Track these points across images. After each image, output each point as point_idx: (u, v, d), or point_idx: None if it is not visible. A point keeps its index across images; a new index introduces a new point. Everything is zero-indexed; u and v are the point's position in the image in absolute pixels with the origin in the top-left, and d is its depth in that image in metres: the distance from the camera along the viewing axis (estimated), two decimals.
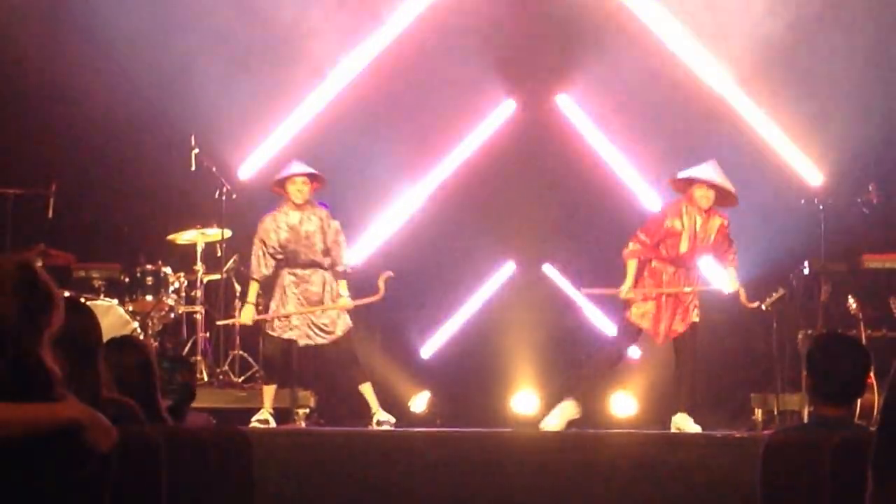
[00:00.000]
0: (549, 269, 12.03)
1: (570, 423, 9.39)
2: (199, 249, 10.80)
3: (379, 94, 12.12)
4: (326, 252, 9.86)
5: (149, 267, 10.63)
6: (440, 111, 11.90)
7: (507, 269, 12.05)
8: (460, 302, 11.99)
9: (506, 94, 12.15)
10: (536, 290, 11.92)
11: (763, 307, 9.99)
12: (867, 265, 10.56)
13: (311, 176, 9.90)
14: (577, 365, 10.03)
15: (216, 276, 10.83)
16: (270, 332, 9.81)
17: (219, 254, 10.75)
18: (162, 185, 11.63)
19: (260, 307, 10.10)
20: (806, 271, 10.26)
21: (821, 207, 10.26)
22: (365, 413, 9.99)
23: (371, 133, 12.06)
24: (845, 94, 11.47)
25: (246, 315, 9.97)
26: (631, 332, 9.63)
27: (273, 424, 9.44)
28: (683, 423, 9.20)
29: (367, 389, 9.75)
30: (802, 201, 10.58)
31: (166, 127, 11.63)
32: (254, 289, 9.93)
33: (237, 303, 10.79)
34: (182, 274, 10.77)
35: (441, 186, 12.13)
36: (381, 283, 9.87)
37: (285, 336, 9.77)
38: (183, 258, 10.89)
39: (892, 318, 9.88)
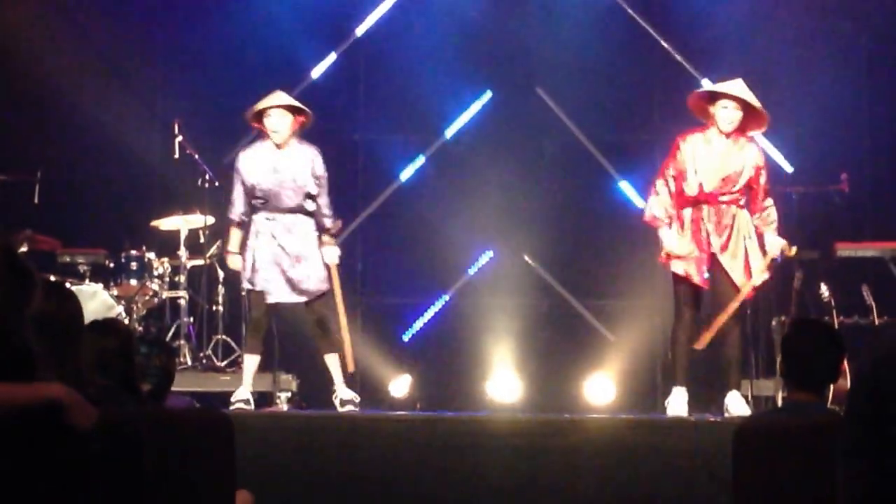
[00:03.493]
0: (528, 257, 12.10)
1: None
2: (183, 236, 10.85)
3: (360, 84, 12.19)
4: (312, 197, 9.06)
5: (133, 252, 10.70)
6: (418, 101, 11.95)
7: (487, 257, 12.12)
8: (441, 288, 12.06)
9: (483, 85, 12.20)
10: (515, 276, 11.98)
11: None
12: (839, 253, 10.62)
13: (292, 109, 9.07)
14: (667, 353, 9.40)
15: (199, 262, 10.90)
16: (252, 287, 9.09)
17: (202, 240, 10.81)
18: (146, 172, 11.71)
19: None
20: (779, 259, 10.35)
21: (793, 196, 10.33)
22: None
23: (351, 121, 12.13)
24: (816, 82, 11.57)
25: (235, 263, 9.23)
26: (686, 290, 8.66)
27: (253, 406, 9.14)
28: (736, 402, 8.64)
29: (332, 360, 9.11)
30: (775, 190, 10.67)
31: (150, 114, 11.69)
32: (236, 235, 9.21)
33: (220, 288, 10.88)
34: (166, 259, 10.84)
35: (421, 175, 12.19)
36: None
37: (260, 288, 9.01)
38: (167, 244, 10.95)
39: (863, 306, 9.97)
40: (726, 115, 8.57)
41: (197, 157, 10.77)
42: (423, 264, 11.85)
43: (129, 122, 11.63)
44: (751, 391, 9.97)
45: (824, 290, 9.83)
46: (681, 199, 8.69)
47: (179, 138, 10.64)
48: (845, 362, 7.88)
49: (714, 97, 8.65)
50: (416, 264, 11.80)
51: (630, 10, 12.04)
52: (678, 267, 8.67)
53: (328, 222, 9.12)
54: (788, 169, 11.65)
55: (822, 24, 11.75)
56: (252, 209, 9.07)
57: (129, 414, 4.53)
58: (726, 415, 8.62)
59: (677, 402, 8.75)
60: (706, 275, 8.67)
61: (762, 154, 8.80)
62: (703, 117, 8.76)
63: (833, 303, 9.84)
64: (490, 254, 12.12)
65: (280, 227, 9.02)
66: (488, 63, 12.15)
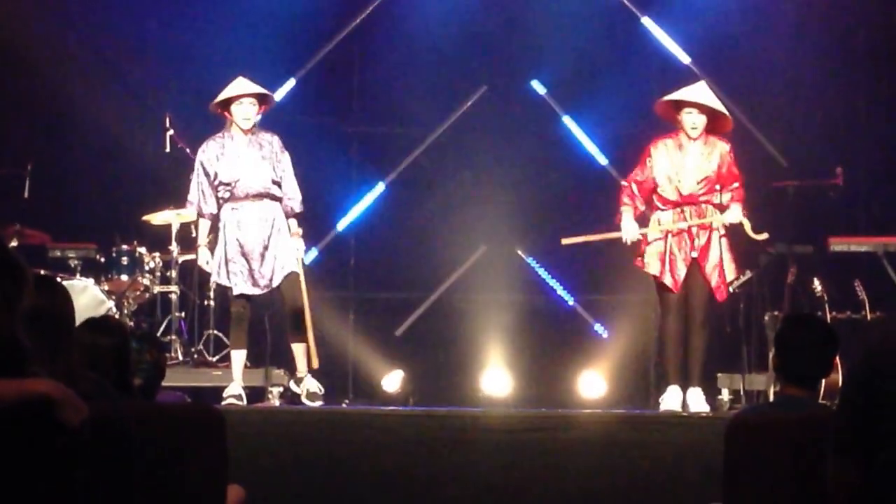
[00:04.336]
0: (521, 252, 12.10)
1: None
2: (174, 230, 10.82)
3: (354, 78, 12.19)
4: (276, 184, 8.99)
5: (124, 247, 10.68)
6: (413, 95, 11.95)
7: (479, 252, 12.12)
8: (433, 283, 12.05)
9: (478, 80, 12.20)
10: (507, 271, 11.99)
11: (731, 289, 10.09)
12: (833, 248, 10.64)
13: (258, 97, 9.06)
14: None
15: (191, 257, 10.87)
16: (220, 282, 9.12)
17: (193, 234, 10.78)
18: (137, 166, 11.68)
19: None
20: (773, 253, 10.35)
21: (788, 191, 10.33)
22: (340, 390, 10.09)
23: (344, 114, 12.12)
24: (811, 76, 11.58)
25: (203, 257, 9.17)
26: (667, 292, 8.77)
27: (244, 401, 9.14)
28: (697, 399, 8.78)
29: (298, 349, 9.10)
30: (770, 185, 10.66)
31: (141, 107, 11.67)
32: (204, 227, 9.17)
33: (211, 283, 10.86)
34: (157, 254, 10.81)
35: (414, 169, 12.19)
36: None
37: (227, 283, 8.99)
38: (158, 238, 10.92)
39: (856, 301, 9.99)
40: (690, 120, 8.71)
41: (188, 151, 10.74)
42: (415, 259, 11.85)
43: (120, 115, 11.60)
44: (743, 385, 9.99)
45: (817, 284, 9.84)
46: (662, 204, 8.81)
47: (171, 132, 10.64)
48: (838, 357, 7.90)
49: (679, 103, 8.78)
50: (409, 259, 11.79)
51: (627, 3, 12.03)
52: (653, 269, 8.77)
53: (295, 206, 9.08)
54: (783, 163, 11.65)
55: (817, 19, 11.75)
56: (218, 201, 9.05)
57: (120, 409, 4.52)
58: (687, 412, 8.69)
59: (672, 400, 8.79)
60: (680, 277, 8.75)
61: (727, 145, 8.86)
62: (672, 123, 8.88)
63: (826, 297, 9.85)
64: (483, 249, 12.11)
65: (245, 215, 8.99)
66: (483, 57, 12.15)
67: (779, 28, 11.71)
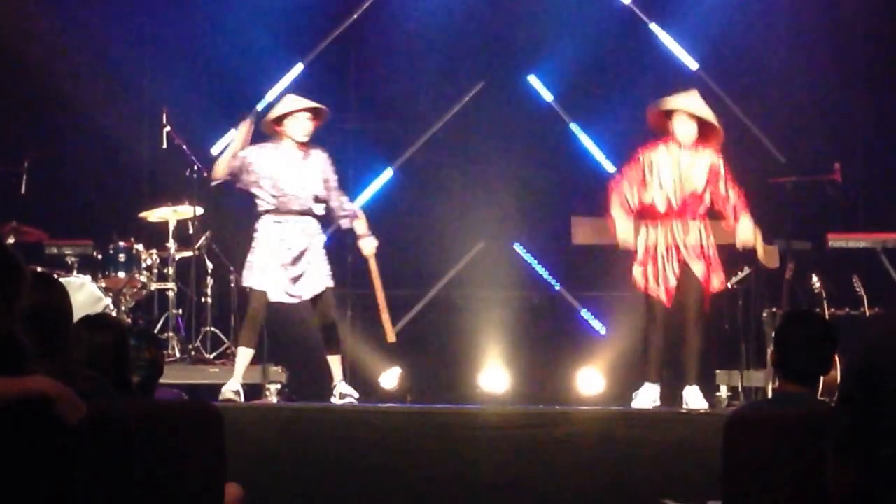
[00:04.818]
0: (519, 248, 12.10)
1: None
2: (171, 227, 10.82)
3: (351, 73, 12.18)
4: (320, 199, 9.09)
5: (121, 244, 10.65)
6: (411, 90, 11.94)
7: (477, 248, 12.11)
8: (431, 279, 12.05)
9: (476, 75, 12.19)
10: (506, 268, 11.98)
11: (729, 285, 10.09)
12: (831, 244, 10.63)
13: (314, 111, 9.14)
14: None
15: (188, 254, 10.87)
16: (243, 284, 9.20)
17: (190, 231, 10.79)
18: (134, 162, 11.69)
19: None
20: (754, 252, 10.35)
21: (786, 186, 10.33)
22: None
23: (342, 111, 12.11)
24: (810, 72, 11.58)
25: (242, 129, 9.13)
26: (648, 298, 8.85)
27: (242, 398, 9.09)
28: (694, 397, 8.84)
29: (334, 361, 9.23)
30: (768, 180, 10.66)
31: (138, 104, 11.67)
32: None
33: (209, 280, 10.88)
34: (154, 251, 10.80)
35: (412, 165, 12.18)
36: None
37: (259, 288, 9.03)
38: (155, 235, 10.92)
39: (855, 297, 9.98)
40: (682, 128, 8.69)
41: (185, 147, 10.74)
42: (413, 256, 11.84)
43: (117, 112, 11.59)
44: (741, 382, 9.99)
45: (816, 281, 9.83)
46: (650, 214, 8.79)
47: (168, 128, 10.64)
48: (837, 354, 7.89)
49: (670, 112, 8.74)
50: (407, 256, 11.78)
51: (633, 7, 12.03)
52: (639, 280, 8.84)
53: (349, 220, 9.24)
54: (781, 159, 11.64)
55: (817, 15, 11.74)
56: (258, 208, 9.06)
57: (119, 407, 4.51)
58: (684, 409, 8.72)
59: (647, 397, 8.88)
60: (671, 288, 8.80)
61: (720, 158, 8.83)
62: (662, 132, 8.85)
63: (824, 294, 9.84)
64: (481, 245, 12.11)
65: (287, 230, 9.04)
66: (481, 52, 12.14)
67: (776, 24, 11.72)
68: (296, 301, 9.16)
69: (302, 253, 9.04)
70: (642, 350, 9.15)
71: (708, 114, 8.81)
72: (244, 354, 9.13)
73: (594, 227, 9.63)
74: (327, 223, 9.37)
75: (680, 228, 8.80)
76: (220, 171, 9.22)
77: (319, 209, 9.12)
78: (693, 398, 8.84)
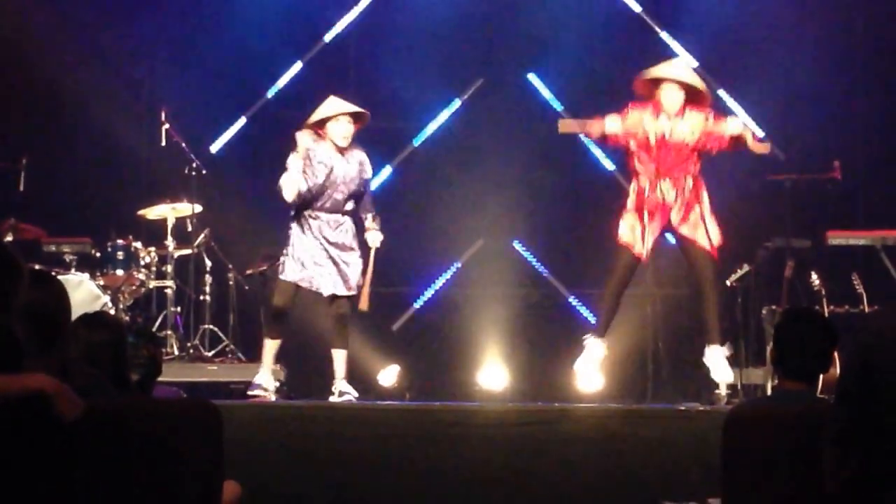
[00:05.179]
0: (518, 246, 12.10)
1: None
2: (170, 224, 10.82)
3: (350, 70, 12.17)
4: (357, 198, 9.20)
5: (120, 241, 10.65)
6: (411, 88, 11.94)
7: (476, 246, 12.11)
8: (430, 277, 12.05)
9: (476, 72, 12.19)
10: (505, 266, 11.98)
11: (728, 283, 10.10)
12: (831, 241, 10.63)
13: (354, 114, 9.21)
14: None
15: (187, 251, 10.87)
16: (283, 278, 9.12)
17: (189, 229, 10.78)
18: (132, 160, 11.68)
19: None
20: (770, 248, 10.34)
21: (786, 184, 10.33)
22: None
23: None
24: (809, 69, 11.58)
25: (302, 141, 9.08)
26: (626, 259, 8.85)
27: (271, 393, 9.21)
28: (717, 358, 8.79)
29: (339, 356, 9.25)
30: (767, 178, 10.66)
31: (137, 102, 11.67)
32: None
33: (208, 278, 10.87)
34: (153, 249, 10.80)
35: (411, 162, 12.17)
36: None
37: (297, 281, 9.06)
38: (153, 233, 10.91)
39: (854, 295, 9.97)
40: (669, 96, 8.71)
41: (184, 145, 10.74)
42: (412, 253, 11.83)
43: (115, 109, 11.59)
44: (740, 380, 9.98)
45: (815, 278, 9.82)
46: (639, 168, 8.82)
47: (166, 126, 10.63)
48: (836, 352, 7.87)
49: (657, 80, 8.77)
50: (406, 253, 11.77)
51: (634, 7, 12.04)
52: (626, 238, 8.78)
53: (371, 218, 9.26)
54: (781, 156, 11.64)
55: (816, 12, 11.74)
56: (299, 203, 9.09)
57: (117, 404, 4.51)
58: (709, 370, 8.76)
59: (590, 357, 9.06)
60: (649, 245, 8.80)
61: (704, 111, 8.79)
62: (649, 98, 8.85)
63: (824, 291, 9.84)
64: (480, 242, 12.11)
65: (325, 224, 9.11)
66: (480, 50, 12.13)
67: (777, 22, 11.70)
68: (325, 294, 9.15)
69: (341, 250, 9.12)
70: (601, 301, 9.21)
71: (695, 80, 8.81)
72: (272, 346, 9.23)
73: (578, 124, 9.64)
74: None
75: (669, 186, 8.81)
76: (293, 194, 9.13)
77: (352, 206, 9.19)
78: (715, 361, 8.80)
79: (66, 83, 11.44)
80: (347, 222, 9.18)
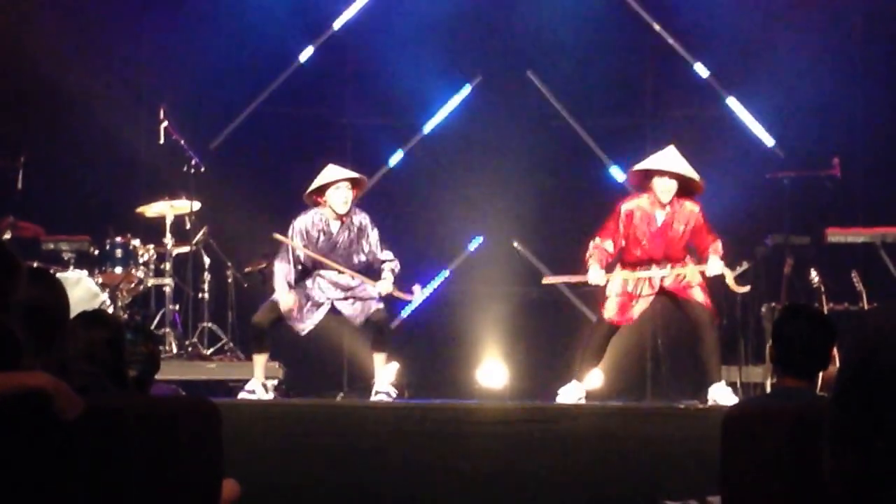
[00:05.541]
0: (518, 245, 12.08)
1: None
2: (168, 222, 10.81)
3: (348, 68, 12.16)
4: (364, 263, 9.44)
5: (118, 239, 10.65)
6: (408, 86, 11.93)
7: (476, 243, 12.11)
8: (430, 274, 12.03)
9: (474, 70, 12.17)
10: (505, 263, 11.97)
11: (727, 281, 10.10)
12: (830, 239, 10.64)
13: (353, 181, 9.34)
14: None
15: (185, 249, 10.86)
16: (275, 299, 9.34)
17: (188, 226, 10.77)
18: (131, 157, 11.67)
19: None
20: (769, 245, 10.33)
21: (784, 181, 10.32)
22: (335, 383, 10.08)
23: (339, 106, 12.10)
24: (808, 66, 11.57)
25: (286, 301, 9.28)
26: (601, 328, 9.28)
27: (261, 395, 9.29)
28: (721, 391, 8.94)
29: (379, 358, 9.47)
30: (766, 175, 10.65)
31: (135, 99, 11.66)
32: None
33: (206, 276, 10.87)
34: (151, 246, 10.79)
35: (411, 160, 12.16)
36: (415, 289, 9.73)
37: (290, 314, 9.31)
38: (152, 231, 10.90)
39: (853, 292, 9.97)
40: (662, 185, 9.00)
41: (183, 142, 10.73)
42: (411, 250, 11.80)
43: (114, 107, 11.58)
44: (739, 378, 9.98)
45: (814, 276, 9.82)
46: (628, 261, 9.14)
47: (165, 123, 10.63)
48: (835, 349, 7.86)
49: (649, 172, 9.05)
50: (405, 250, 11.75)
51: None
52: (609, 313, 9.15)
53: (395, 267, 9.52)
54: (780, 154, 11.63)
55: (814, 7, 11.73)
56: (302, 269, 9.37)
57: (116, 403, 4.50)
58: (713, 403, 8.79)
59: (572, 393, 9.12)
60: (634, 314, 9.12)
61: (697, 207, 9.08)
62: (642, 189, 9.13)
63: (823, 289, 9.84)
64: (480, 240, 12.10)
65: (325, 283, 9.36)
66: (479, 46, 12.13)
67: (776, 17, 11.69)
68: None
69: (340, 287, 9.36)
70: (580, 350, 9.44)
71: (687, 170, 9.02)
72: (259, 360, 9.40)
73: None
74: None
75: (661, 270, 9.09)
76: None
77: (359, 264, 9.42)
78: (722, 395, 8.92)
79: (65, 81, 11.43)
80: (349, 279, 9.36)
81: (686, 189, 9.07)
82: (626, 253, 9.13)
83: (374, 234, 9.42)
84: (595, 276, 9.07)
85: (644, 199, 9.08)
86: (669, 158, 9.06)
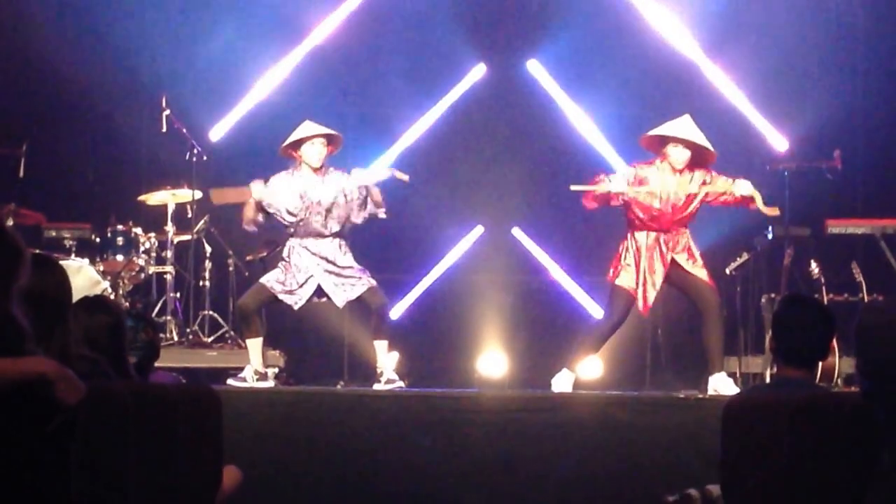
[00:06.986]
0: (517, 233, 12.09)
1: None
2: (170, 210, 10.82)
3: (350, 57, 12.14)
4: (345, 220, 9.31)
5: (120, 227, 10.67)
6: (411, 74, 11.92)
7: (476, 232, 12.11)
8: (429, 264, 12.04)
9: (476, 59, 12.17)
10: (505, 252, 11.98)
11: (727, 271, 10.11)
12: (830, 230, 10.64)
13: (328, 137, 9.32)
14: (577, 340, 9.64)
15: (186, 237, 10.87)
16: (264, 282, 9.30)
17: (189, 215, 10.77)
18: (133, 145, 11.68)
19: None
20: (770, 236, 10.34)
21: (785, 173, 10.33)
22: (336, 372, 10.10)
23: (342, 95, 12.08)
24: (810, 58, 11.57)
25: (256, 184, 9.27)
26: (624, 303, 9.10)
27: (253, 383, 9.26)
28: (722, 381, 8.92)
29: (381, 346, 9.42)
30: (767, 167, 10.65)
31: (137, 88, 11.65)
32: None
33: (207, 264, 10.88)
34: (153, 234, 10.81)
35: (411, 149, 12.15)
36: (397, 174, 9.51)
37: (280, 295, 9.24)
38: (153, 219, 10.92)
39: (853, 283, 9.98)
40: (676, 153, 8.98)
41: (184, 131, 10.73)
42: (411, 239, 11.83)
43: (116, 95, 11.59)
44: (739, 368, 10.00)
45: (814, 267, 9.83)
46: (637, 224, 9.06)
47: (167, 112, 10.63)
48: (834, 339, 7.88)
49: (664, 137, 9.02)
50: (405, 239, 11.78)
51: None
52: (625, 281, 9.01)
53: (381, 214, 9.45)
54: (782, 145, 11.63)
55: (817, 1, 11.73)
56: (283, 233, 9.35)
57: (117, 389, 4.51)
58: (714, 393, 8.77)
59: (563, 383, 9.12)
60: (650, 300, 9.08)
61: (708, 173, 9.07)
62: (655, 154, 9.10)
63: (823, 280, 9.85)
64: (480, 229, 12.10)
65: (307, 256, 9.26)
66: (481, 36, 12.11)
67: (779, 10, 11.68)
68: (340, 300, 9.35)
69: (328, 260, 9.26)
70: (585, 336, 9.45)
71: (701, 139, 8.99)
72: (253, 344, 9.31)
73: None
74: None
75: (669, 239, 9.05)
76: (248, 224, 9.42)
77: (337, 227, 9.29)
78: (722, 384, 8.90)
79: (67, 69, 11.43)
80: (333, 244, 9.28)
81: (699, 158, 9.04)
82: (634, 217, 9.06)
83: (353, 190, 9.27)
84: (618, 184, 8.97)
85: (656, 164, 9.06)
86: (685, 126, 9.04)
